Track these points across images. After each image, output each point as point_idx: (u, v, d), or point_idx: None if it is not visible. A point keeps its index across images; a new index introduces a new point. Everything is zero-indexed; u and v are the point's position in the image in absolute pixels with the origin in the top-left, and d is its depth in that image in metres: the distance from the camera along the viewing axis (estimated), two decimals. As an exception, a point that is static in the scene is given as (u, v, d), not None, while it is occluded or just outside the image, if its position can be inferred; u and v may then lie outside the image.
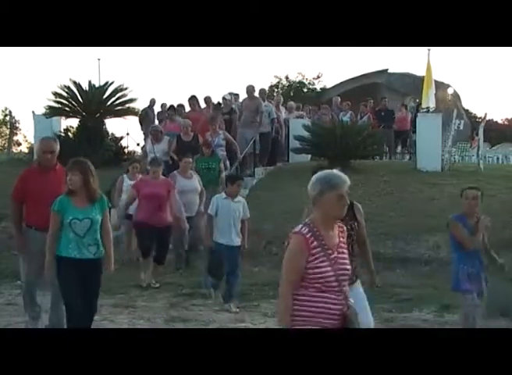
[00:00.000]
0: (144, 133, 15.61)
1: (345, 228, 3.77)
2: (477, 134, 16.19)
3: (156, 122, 15.39)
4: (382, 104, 17.80)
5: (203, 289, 8.42)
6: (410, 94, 23.12)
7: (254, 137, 13.54)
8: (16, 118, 38.54)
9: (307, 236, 3.53)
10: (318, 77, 31.55)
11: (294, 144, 15.15)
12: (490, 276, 6.03)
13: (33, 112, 16.50)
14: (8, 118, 37.77)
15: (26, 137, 37.91)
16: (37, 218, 5.89)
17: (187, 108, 14.60)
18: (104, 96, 15.75)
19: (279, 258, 10.13)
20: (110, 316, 7.09)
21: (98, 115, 15.83)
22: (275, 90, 29.76)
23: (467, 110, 31.61)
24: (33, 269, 5.97)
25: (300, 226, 3.60)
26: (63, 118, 16.21)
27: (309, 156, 15.63)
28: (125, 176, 9.95)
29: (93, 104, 15.61)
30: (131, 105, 15.91)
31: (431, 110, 15.67)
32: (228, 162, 11.98)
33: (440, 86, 19.79)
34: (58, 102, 15.69)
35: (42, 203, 5.69)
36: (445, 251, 9.91)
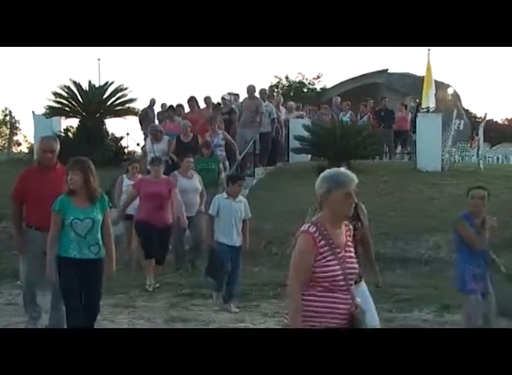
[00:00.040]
0: (143, 133, 15.61)
1: (351, 227, 3.74)
2: (477, 134, 16.20)
3: (156, 122, 15.40)
4: (382, 104, 17.81)
5: (203, 289, 8.43)
6: (410, 94, 23.10)
7: (253, 137, 13.54)
8: (16, 118, 38.62)
9: (315, 235, 3.51)
10: (318, 77, 31.59)
11: (294, 144, 15.16)
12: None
13: (33, 112, 16.51)
14: (8, 118, 37.78)
15: (26, 137, 37.98)
16: (37, 218, 5.88)
17: (186, 109, 14.61)
18: (104, 96, 15.76)
19: (278, 258, 10.23)
20: (110, 316, 7.09)
21: (98, 115, 15.83)
22: (275, 90, 29.75)
23: (467, 110, 31.61)
24: (34, 269, 5.96)
25: (308, 224, 3.58)
26: (63, 118, 16.22)
27: (309, 156, 15.65)
28: (124, 176, 9.94)
29: (93, 104, 15.62)
30: (131, 105, 15.92)
31: (431, 110, 15.68)
32: (227, 163, 11.98)
33: (440, 86, 19.79)
34: (58, 102, 15.69)
35: (42, 203, 5.68)
36: (445, 251, 9.93)
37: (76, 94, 15.63)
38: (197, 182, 9.50)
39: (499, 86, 72.12)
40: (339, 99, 18.28)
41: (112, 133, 16.49)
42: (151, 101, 16.75)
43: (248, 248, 8.08)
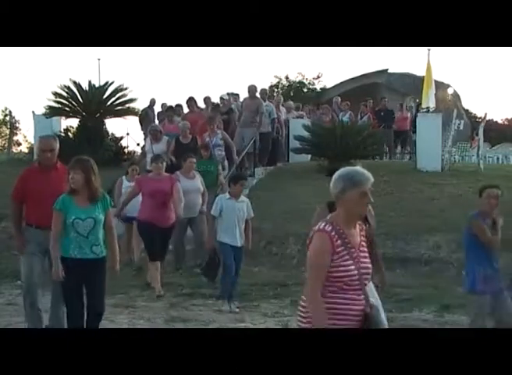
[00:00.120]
0: (144, 133, 15.62)
1: (366, 227, 3.69)
2: (477, 134, 16.21)
3: (156, 122, 15.42)
4: (382, 104, 17.82)
5: (203, 289, 8.44)
6: (410, 94, 23.13)
7: (253, 137, 13.55)
8: (16, 118, 38.61)
9: (332, 234, 3.44)
10: (318, 77, 31.57)
11: (294, 144, 15.17)
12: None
13: (33, 112, 16.52)
14: (8, 118, 37.77)
15: (26, 137, 37.97)
16: (37, 217, 5.87)
17: (186, 109, 14.62)
18: (104, 96, 15.77)
19: (278, 258, 10.24)
20: (110, 316, 7.07)
21: (98, 115, 15.84)
22: (275, 90, 29.75)
23: (467, 110, 31.62)
24: (34, 269, 5.93)
25: (323, 223, 3.51)
26: (63, 118, 16.23)
27: (309, 156, 15.65)
28: (124, 178, 9.90)
29: (93, 104, 15.62)
30: (131, 105, 15.93)
31: (431, 110, 15.68)
32: (226, 162, 11.99)
33: (440, 86, 19.79)
34: (58, 102, 15.70)
35: (43, 202, 5.68)
36: (445, 251, 9.93)
37: (76, 94, 15.64)
38: (198, 182, 9.41)
39: (499, 86, 72.18)
40: (340, 99, 18.28)
41: (112, 133, 16.51)
42: (151, 101, 16.76)
43: (247, 247, 8.08)
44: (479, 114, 32.55)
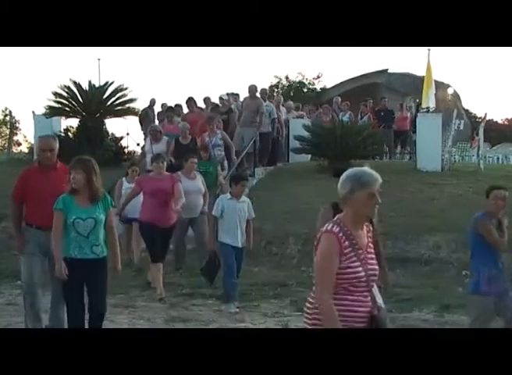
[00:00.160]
0: (144, 133, 15.62)
1: (371, 228, 3.66)
2: (477, 134, 16.21)
3: (156, 122, 15.43)
4: (382, 104, 17.83)
5: (203, 289, 8.44)
6: (410, 94, 23.14)
7: (253, 137, 13.55)
8: (16, 118, 38.59)
9: (340, 235, 3.42)
10: (318, 77, 31.59)
11: (294, 144, 15.17)
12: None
13: (33, 112, 16.53)
14: (8, 118, 37.75)
15: (26, 137, 38.00)
16: (37, 217, 5.86)
17: (185, 109, 14.62)
18: (104, 96, 15.76)
19: (278, 258, 10.23)
20: (110, 316, 7.06)
21: (98, 115, 15.83)
22: (275, 90, 29.76)
23: (467, 110, 31.64)
24: (34, 269, 5.92)
25: (331, 224, 3.48)
26: (63, 118, 16.22)
27: (309, 156, 15.65)
28: (124, 179, 9.86)
29: (93, 104, 15.62)
30: (131, 105, 15.92)
31: (431, 110, 15.68)
32: (226, 162, 11.98)
33: (440, 86, 19.80)
34: (58, 102, 15.69)
35: (43, 202, 5.67)
36: (445, 251, 9.94)
37: (76, 94, 15.63)
38: (200, 183, 9.35)
39: (499, 86, 72.21)
40: (340, 99, 18.29)
41: (112, 133, 16.50)
42: (151, 101, 16.77)
43: (249, 247, 8.09)
44: (479, 114, 32.60)
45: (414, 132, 15.65)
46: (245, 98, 14.14)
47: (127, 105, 15.87)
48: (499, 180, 13.00)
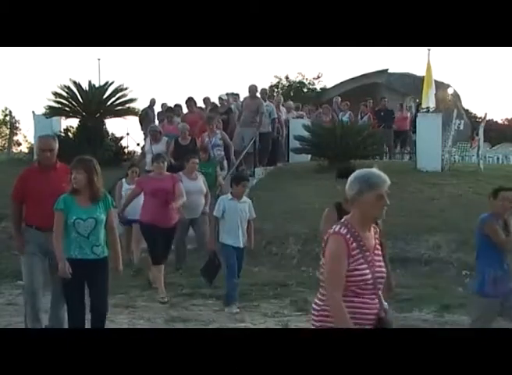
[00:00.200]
0: (144, 133, 15.63)
1: (378, 230, 3.63)
2: (477, 134, 16.21)
3: (156, 122, 15.44)
4: (382, 104, 17.83)
5: (203, 289, 8.44)
6: (410, 94, 23.14)
7: (253, 137, 13.54)
8: (16, 118, 38.66)
9: (347, 236, 3.40)
10: (318, 77, 31.61)
11: (294, 144, 15.18)
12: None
13: (33, 112, 16.54)
14: (8, 118, 37.79)
15: (26, 137, 38.02)
16: (37, 218, 5.85)
17: (185, 109, 14.62)
18: (104, 96, 15.77)
19: (278, 258, 10.23)
20: (110, 316, 7.02)
21: (98, 115, 15.84)
22: (275, 90, 29.77)
23: (467, 110, 31.65)
24: (34, 269, 5.91)
25: (338, 226, 3.46)
26: (63, 118, 16.23)
27: (309, 156, 15.66)
28: (123, 181, 9.82)
29: (93, 104, 15.63)
30: (131, 105, 15.93)
31: (431, 110, 15.68)
32: (226, 162, 11.98)
33: (440, 86, 19.80)
34: (58, 102, 15.70)
35: (42, 202, 5.66)
36: (445, 251, 9.94)
37: (76, 94, 15.64)
38: (201, 183, 9.33)
39: (499, 86, 72.23)
40: (340, 99, 18.29)
41: (112, 133, 16.51)
42: (151, 101, 16.78)
43: (249, 247, 8.08)
44: (479, 114, 32.62)
45: (414, 132, 15.64)
46: (245, 98, 14.13)
47: (127, 105, 15.88)
48: (499, 180, 13.02)
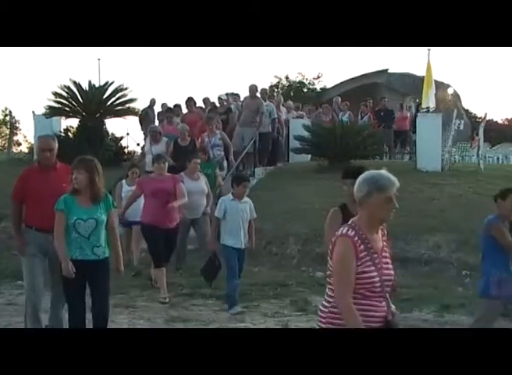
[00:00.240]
0: (144, 133, 15.64)
1: (386, 232, 3.61)
2: (477, 134, 16.21)
3: (156, 122, 15.45)
4: (382, 104, 17.83)
5: (203, 289, 8.43)
6: (410, 94, 23.15)
7: (253, 136, 13.54)
8: (16, 118, 38.66)
9: (355, 239, 3.38)
10: (318, 77, 31.63)
11: (294, 144, 15.18)
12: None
13: (33, 112, 16.54)
14: (8, 118, 37.79)
15: (26, 137, 38.03)
16: (37, 218, 5.83)
17: (184, 109, 14.62)
18: (104, 96, 15.77)
19: (278, 258, 10.23)
20: (110, 316, 7.07)
21: (98, 115, 15.84)
22: (275, 90, 29.77)
23: (467, 110, 31.66)
24: (36, 271, 5.89)
25: (346, 228, 3.44)
26: (63, 118, 16.24)
27: (309, 156, 15.66)
28: (123, 182, 9.76)
29: (93, 104, 15.63)
30: (131, 105, 15.93)
31: (431, 110, 15.68)
32: (225, 162, 11.97)
33: (440, 86, 19.80)
34: (58, 102, 15.70)
35: (42, 203, 5.65)
36: (445, 251, 9.94)
37: (76, 94, 15.64)
38: (203, 184, 9.29)
39: (499, 86, 72.25)
40: (340, 99, 18.29)
41: (112, 133, 16.52)
42: (151, 101, 16.78)
43: (249, 247, 8.08)
44: (479, 114, 32.63)
45: (414, 132, 15.64)
46: (245, 98, 14.12)
47: (127, 105, 15.88)
48: (499, 180, 13.04)
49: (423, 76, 16.50)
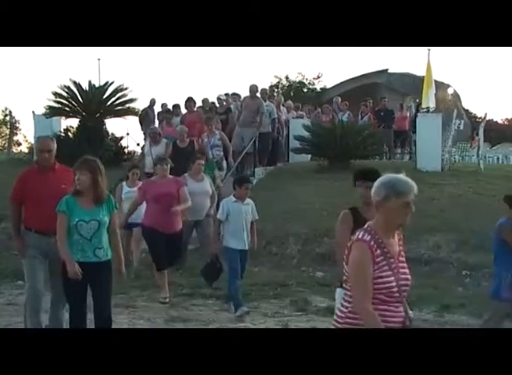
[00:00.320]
0: (144, 134, 15.64)
1: (402, 236, 3.58)
2: (477, 134, 16.22)
3: (156, 122, 15.45)
4: (382, 104, 17.83)
5: (203, 289, 8.43)
6: (410, 94, 23.16)
7: (253, 137, 13.54)
8: (16, 118, 38.64)
9: (371, 243, 3.34)
10: (318, 77, 31.66)
11: (294, 144, 15.18)
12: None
13: (33, 112, 16.54)
14: (8, 118, 37.78)
15: (26, 137, 38.03)
16: (36, 220, 5.81)
17: (183, 108, 14.62)
18: (104, 96, 15.77)
19: (278, 258, 10.23)
20: (110, 316, 7.09)
21: (98, 115, 15.84)
22: (275, 90, 29.78)
23: (467, 110, 31.68)
24: (37, 272, 5.87)
25: (362, 232, 3.40)
26: (63, 118, 16.23)
27: (309, 156, 15.66)
28: (124, 183, 9.67)
29: (93, 104, 15.62)
30: (131, 105, 15.92)
31: (431, 110, 15.68)
32: (225, 163, 11.96)
33: (440, 86, 19.81)
34: (58, 102, 15.70)
35: (41, 204, 5.64)
36: (445, 251, 9.93)
37: (76, 94, 15.63)
38: (207, 185, 9.21)
39: (499, 86, 72.26)
40: (340, 99, 18.29)
41: (112, 133, 16.50)
42: (151, 101, 16.78)
43: (249, 248, 8.07)
44: (479, 114, 32.64)
45: (414, 132, 15.64)
46: (245, 98, 14.12)
47: (127, 105, 15.87)
48: (499, 180, 13.05)
49: (423, 76, 16.50)
